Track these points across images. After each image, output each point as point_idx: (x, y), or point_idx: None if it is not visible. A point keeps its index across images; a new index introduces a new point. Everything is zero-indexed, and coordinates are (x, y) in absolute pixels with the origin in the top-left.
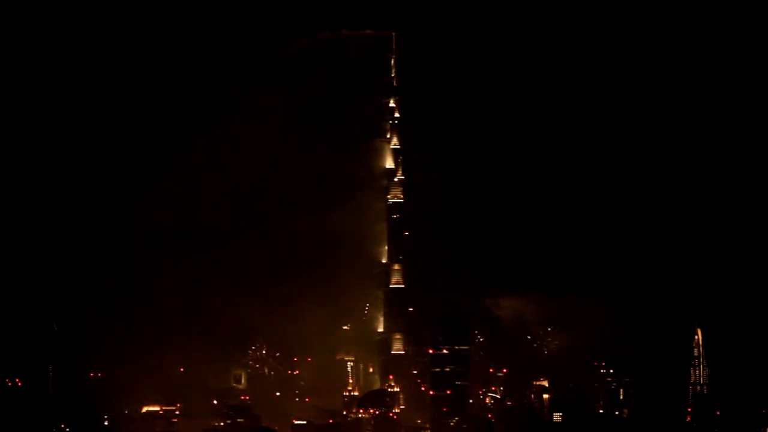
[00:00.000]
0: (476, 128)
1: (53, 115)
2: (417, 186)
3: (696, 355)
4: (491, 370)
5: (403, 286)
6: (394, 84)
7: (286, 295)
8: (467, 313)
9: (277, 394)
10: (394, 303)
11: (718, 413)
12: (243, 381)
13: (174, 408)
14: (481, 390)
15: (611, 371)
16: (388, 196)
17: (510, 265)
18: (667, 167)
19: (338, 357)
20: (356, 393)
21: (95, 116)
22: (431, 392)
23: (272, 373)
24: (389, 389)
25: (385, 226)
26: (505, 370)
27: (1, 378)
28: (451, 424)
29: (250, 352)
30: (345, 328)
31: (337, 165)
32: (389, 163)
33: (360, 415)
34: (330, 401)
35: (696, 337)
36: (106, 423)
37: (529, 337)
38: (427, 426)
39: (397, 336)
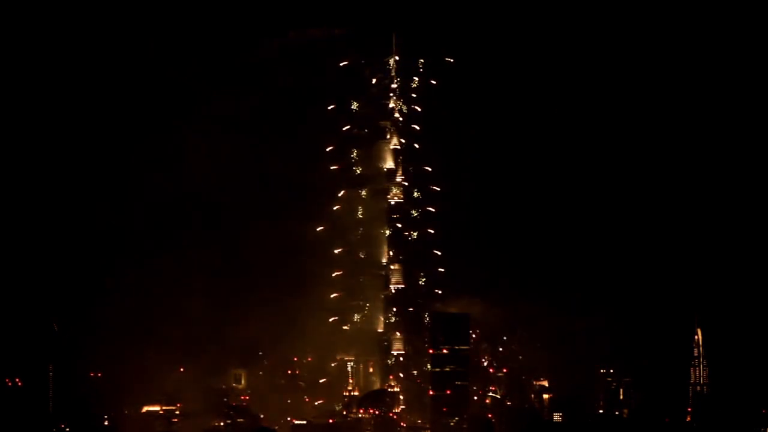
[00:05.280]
0: (473, 128)
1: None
2: (418, 186)
3: (696, 355)
4: (491, 370)
5: (403, 286)
6: (394, 84)
7: (285, 295)
8: (466, 313)
9: (277, 394)
10: (394, 303)
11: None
12: (243, 381)
13: (174, 408)
14: (481, 390)
15: (611, 371)
16: (388, 196)
17: (510, 265)
18: (666, 167)
19: (338, 357)
20: (356, 393)
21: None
22: (431, 392)
23: (272, 372)
24: (389, 389)
25: (385, 226)
26: (505, 370)
27: (1, 378)
28: (451, 424)
29: (250, 352)
30: (345, 328)
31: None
32: (389, 163)
33: (360, 415)
34: (330, 401)
35: (696, 337)
36: (106, 423)
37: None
38: (427, 426)
39: (397, 336)
